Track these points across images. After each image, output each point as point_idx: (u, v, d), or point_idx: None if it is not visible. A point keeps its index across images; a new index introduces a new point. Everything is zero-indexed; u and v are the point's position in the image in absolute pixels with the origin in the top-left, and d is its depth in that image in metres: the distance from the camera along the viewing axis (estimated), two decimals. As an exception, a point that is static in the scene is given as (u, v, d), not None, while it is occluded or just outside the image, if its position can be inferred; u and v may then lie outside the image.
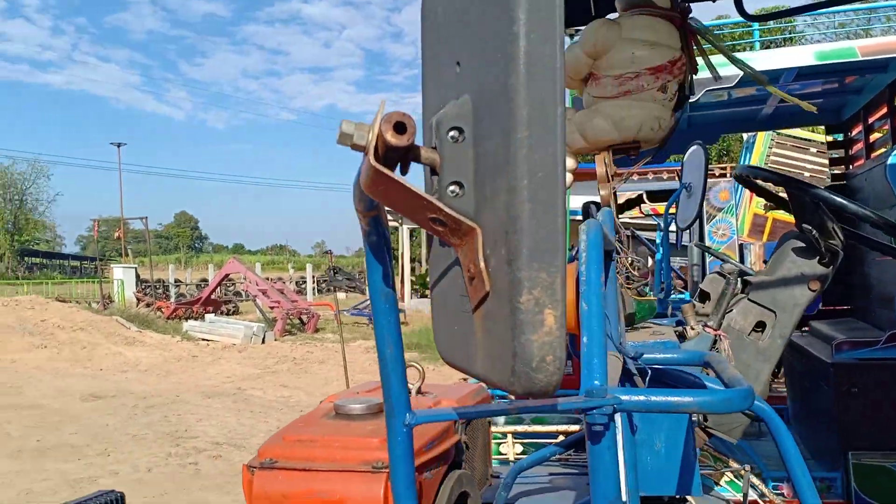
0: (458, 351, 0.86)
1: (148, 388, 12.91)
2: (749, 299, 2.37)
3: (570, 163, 2.07)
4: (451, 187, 0.78)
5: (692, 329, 2.31)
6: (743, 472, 2.58)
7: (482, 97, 0.74)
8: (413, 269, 29.84)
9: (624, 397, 1.00)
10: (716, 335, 2.29)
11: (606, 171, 1.96)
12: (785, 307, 2.29)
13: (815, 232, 2.20)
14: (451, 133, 0.77)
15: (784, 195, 2.42)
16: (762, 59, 4.24)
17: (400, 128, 0.74)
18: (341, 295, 36.56)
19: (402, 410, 1.04)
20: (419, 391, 2.37)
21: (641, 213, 9.78)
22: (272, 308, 21.81)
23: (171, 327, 21.27)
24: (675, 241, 4.42)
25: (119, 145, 45.53)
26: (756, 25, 11.86)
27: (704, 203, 9.39)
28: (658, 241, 4.65)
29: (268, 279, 28.45)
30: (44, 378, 13.82)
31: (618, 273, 2.01)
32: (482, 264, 0.75)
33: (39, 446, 8.69)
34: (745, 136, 13.45)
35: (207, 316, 22.19)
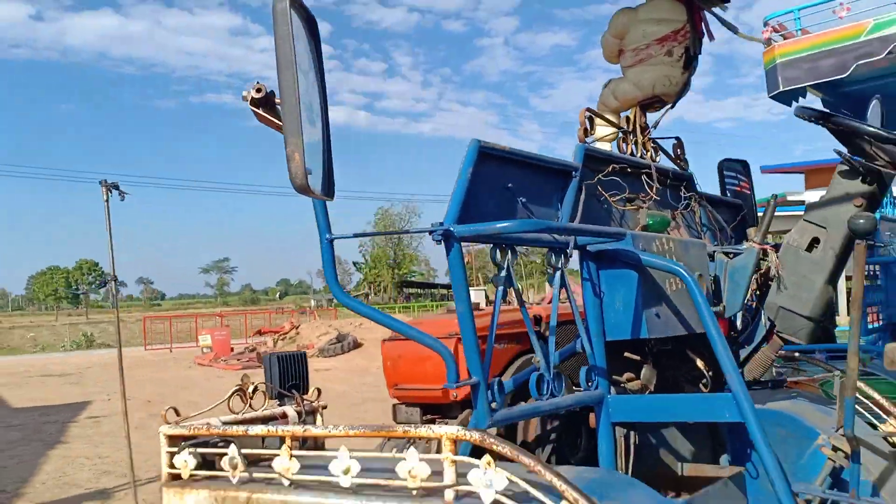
0: None
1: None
2: (805, 220, 2.65)
3: (613, 118, 2.63)
4: None
5: (746, 243, 2.72)
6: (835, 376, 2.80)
7: None
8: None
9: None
10: (760, 249, 2.65)
11: (587, 121, 2.46)
12: (834, 224, 2.52)
13: (851, 153, 2.47)
14: None
15: None
16: None
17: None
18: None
19: None
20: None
21: None
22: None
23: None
24: None
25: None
26: None
27: None
28: None
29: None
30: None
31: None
32: None
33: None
34: None
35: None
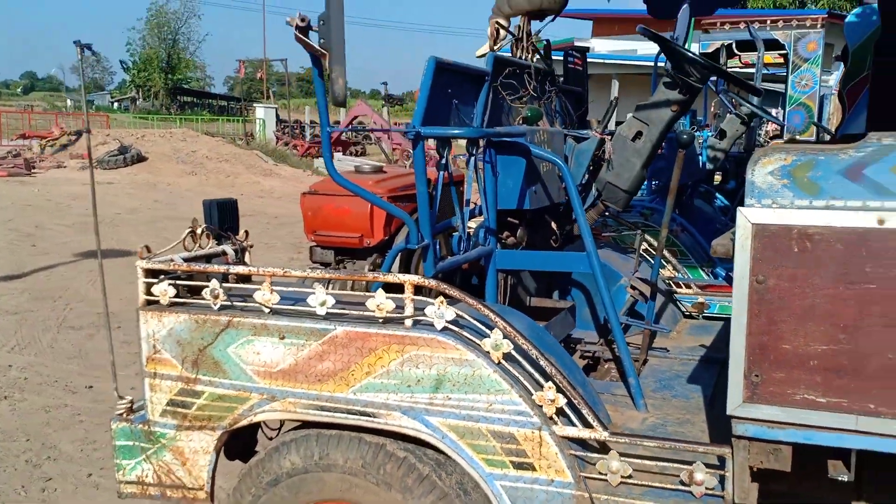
0: None
1: (279, 210, 14.99)
2: (633, 116, 3.42)
3: (504, 22, 3.19)
4: None
5: (591, 132, 3.49)
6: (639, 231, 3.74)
7: None
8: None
9: None
10: (601, 137, 3.42)
11: (496, 31, 3.05)
12: (655, 122, 3.30)
13: (674, 70, 3.21)
14: None
15: None
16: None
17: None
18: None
19: None
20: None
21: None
22: (394, 150, 23.49)
23: (304, 163, 23.59)
24: None
25: (260, -13, 47.11)
26: None
27: (791, 53, 9.61)
28: None
29: (396, 123, 30.07)
30: (194, 198, 16.14)
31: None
32: None
33: (191, 246, 10.84)
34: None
35: (336, 155, 24.21)
